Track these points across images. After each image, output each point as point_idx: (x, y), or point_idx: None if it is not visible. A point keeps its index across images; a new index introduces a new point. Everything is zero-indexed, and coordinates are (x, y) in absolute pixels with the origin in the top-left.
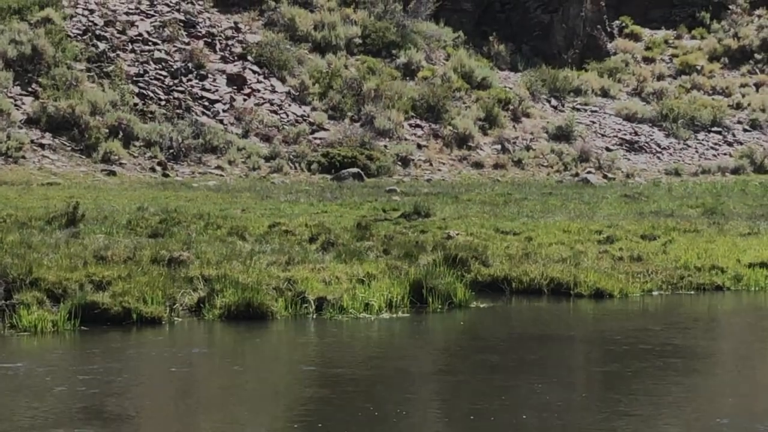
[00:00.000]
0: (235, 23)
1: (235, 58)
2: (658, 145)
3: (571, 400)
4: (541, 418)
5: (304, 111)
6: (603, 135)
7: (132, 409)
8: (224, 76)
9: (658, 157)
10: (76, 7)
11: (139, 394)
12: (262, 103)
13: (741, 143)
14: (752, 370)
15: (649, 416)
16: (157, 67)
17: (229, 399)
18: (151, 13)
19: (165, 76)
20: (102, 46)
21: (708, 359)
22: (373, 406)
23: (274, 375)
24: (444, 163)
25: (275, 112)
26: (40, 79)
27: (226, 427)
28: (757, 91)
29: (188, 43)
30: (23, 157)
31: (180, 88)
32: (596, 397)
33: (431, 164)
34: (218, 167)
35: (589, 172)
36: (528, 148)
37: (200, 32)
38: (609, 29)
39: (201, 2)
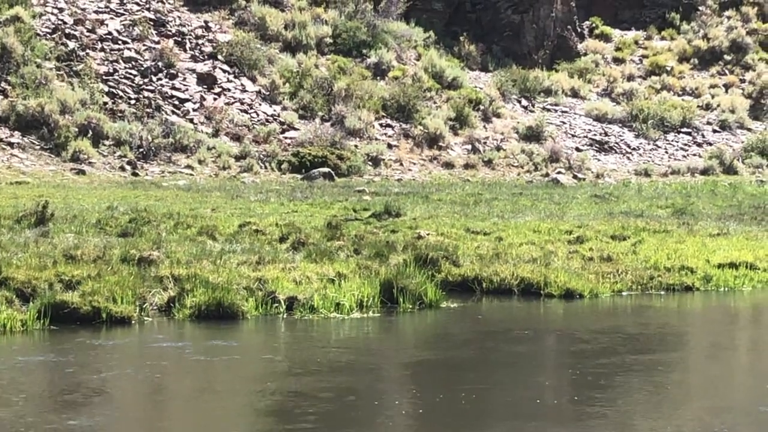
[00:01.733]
0: (206, 22)
1: (206, 57)
2: (628, 146)
3: (541, 398)
4: (513, 412)
5: (275, 110)
6: (573, 135)
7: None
8: (194, 75)
9: (628, 158)
10: (46, 6)
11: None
12: (233, 103)
13: (710, 144)
14: (720, 369)
15: (612, 409)
16: (127, 66)
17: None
18: (121, 11)
19: (135, 75)
20: (71, 44)
21: (676, 358)
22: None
23: (246, 371)
24: (414, 163)
25: (245, 111)
26: (9, 78)
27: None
28: (727, 92)
29: (158, 42)
30: None
31: (150, 87)
32: (565, 394)
33: (402, 164)
34: (188, 166)
35: (559, 173)
36: (498, 149)
37: (170, 31)
38: (579, 30)
39: (171, 1)
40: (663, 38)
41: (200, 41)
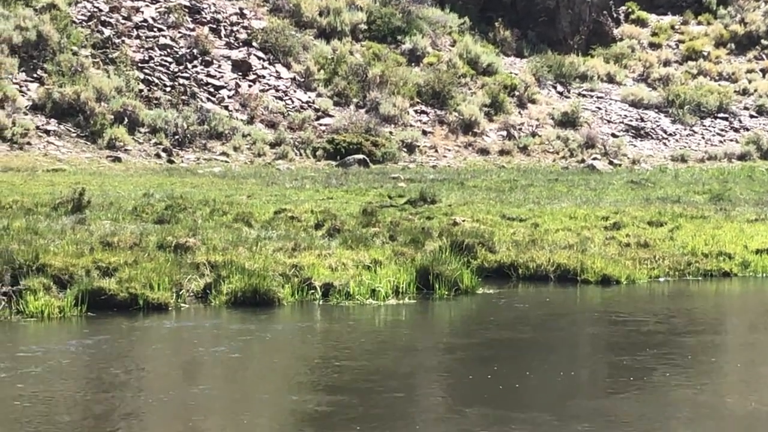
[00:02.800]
0: (240, 9)
1: (240, 44)
2: (664, 131)
3: (614, 376)
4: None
5: (310, 97)
6: (609, 121)
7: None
8: (229, 63)
9: (664, 144)
10: None
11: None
12: (267, 90)
13: (747, 129)
14: (759, 356)
15: (648, 396)
16: (162, 53)
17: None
18: None
19: (170, 63)
20: (107, 32)
21: (716, 345)
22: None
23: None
24: (449, 150)
25: (280, 98)
26: (45, 66)
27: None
28: (764, 77)
29: (193, 29)
30: (29, 143)
31: (185, 75)
32: (635, 372)
33: (437, 151)
34: (223, 153)
35: (595, 159)
36: (534, 135)
37: (205, 18)
38: (615, 15)
39: None
40: (699, 23)
41: (235, 28)
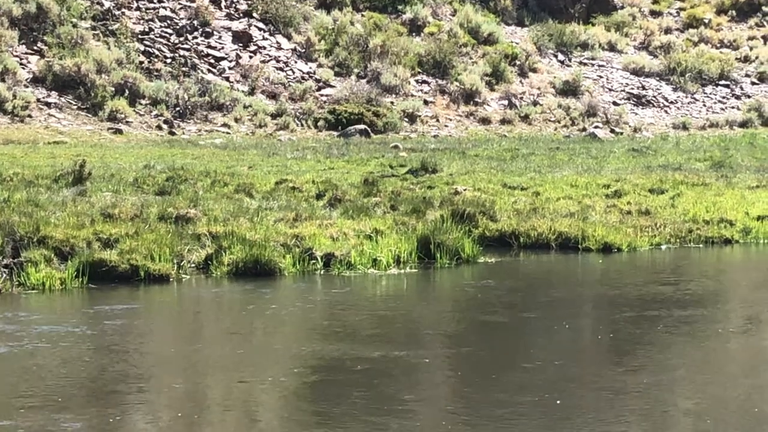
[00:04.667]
0: None
1: (241, 15)
2: (666, 99)
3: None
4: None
5: (311, 68)
6: (610, 89)
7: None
8: (230, 34)
9: (666, 111)
10: None
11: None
12: (268, 60)
13: (749, 96)
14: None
15: (656, 364)
16: (163, 24)
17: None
18: None
19: (170, 34)
20: (107, 3)
21: (718, 311)
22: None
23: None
24: (451, 119)
25: (281, 69)
26: (45, 38)
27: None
28: (765, 43)
29: (193, 1)
30: (29, 115)
31: (185, 46)
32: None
33: (438, 120)
34: (224, 125)
35: (596, 127)
36: (535, 104)
37: None
38: None
39: None
40: None
41: None
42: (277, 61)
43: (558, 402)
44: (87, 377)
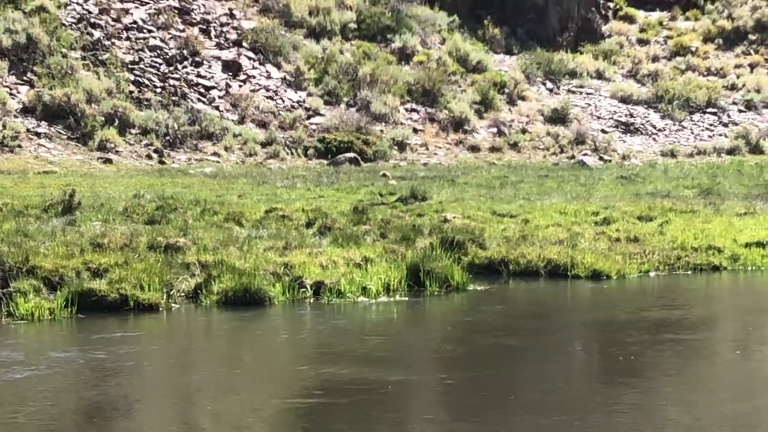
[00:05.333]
0: (230, 9)
1: (231, 44)
2: (654, 127)
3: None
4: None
5: (300, 96)
6: (599, 117)
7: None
8: (219, 63)
9: (654, 139)
10: None
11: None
12: (258, 89)
13: (736, 124)
14: (750, 350)
15: (647, 390)
16: (153, 54)
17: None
18: (146, 0)
19: (160, 64)
20: (97, 34)
21: (708, 338)
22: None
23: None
24: (440, 147)
25: (271, 98)
26: (35, 68)
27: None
28: (752, 71)
29: (183, 30)
30: (19, 146)
31: (175, 75)
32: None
33: (427, 148)
34: (215, 154)
35: (585, 155)
36: (524, 131)
37: (195, 19)
38: (603, 12)
39: None
40: (687, 19)
41: (225, 29)
42: (267, 90)
43: (576, 423)
44: (91, 403)
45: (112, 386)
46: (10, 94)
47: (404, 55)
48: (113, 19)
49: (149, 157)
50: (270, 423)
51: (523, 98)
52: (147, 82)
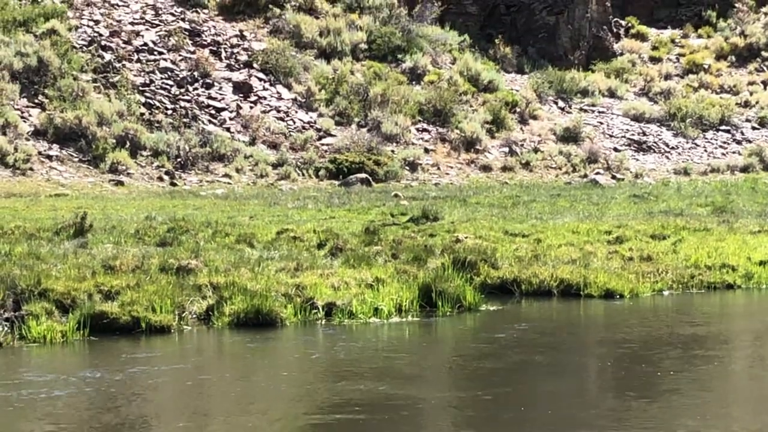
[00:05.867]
0: (241, 31)
1: (241, 65)
2: (667, 145)
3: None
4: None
5: (311, 117)
6: (611, 136)
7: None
8: (230, 84)
9: (667, 157)
10: (81, 18)
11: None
12: (269, 111)
13: (750, 141)
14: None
15: (664, 415)
16: (163, 76)
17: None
18: (156, 22)
19: (171, 86)
20: (107, 56)
21: (725, 357)
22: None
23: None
24: (452, 167)
25: (282, 119)
26: (46, 91)
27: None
28: (765, 88)
29: (194, 52)
30: (31, 168)
31: (186, 97)
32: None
33: (439, 168)
34: (226, 175)
35: (597, 173)
36: (536, 150)
37: (205, 41)
38: (615, 30)
39: (206, 11)
40: (700, 36)
41: (235, 50)
42: (278, 111)
43: None
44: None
45: (133, 407)
46: (22, 117)
47: (415, 75)
48: (124, 42)
49: (160, 179)
50: None
51: (534, 117)
52: (158, 104)
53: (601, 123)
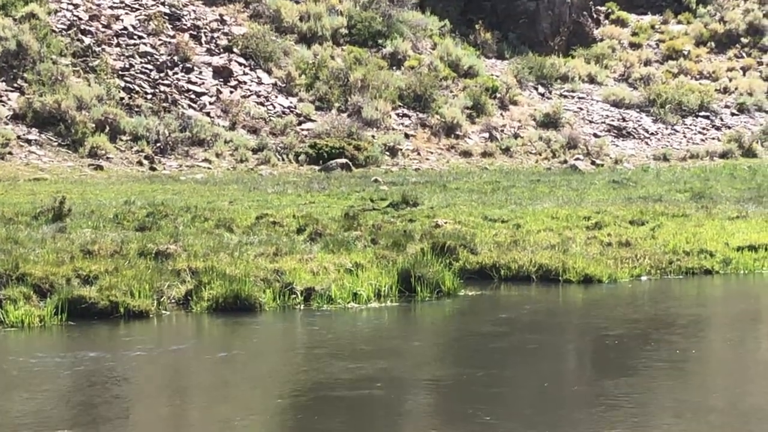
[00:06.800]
0: (221, 15)
1: (221, 50)
2: (646, 131)
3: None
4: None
5: (291, 102)
6: (591, 121)
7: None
8: (210, 69)
9: (646, 143)
10: (61, 2)
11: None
12: (249, 95)
13: (729, 127)
14: (743, 351)
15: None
16: (143, 60)
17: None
18: (136, 6)
19: (151, 70)
20: (87, 40)
21: (700, 343)
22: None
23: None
24: (432, 152)
25: (262, 104)
26: (25, 75)
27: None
28: (744, 75)
29: (173, 37)
30: (10, 153)
31: (166, 82)
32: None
33: (419, 153)
34: (205, 160)
35: (577, 159)
36: (516, 136)
37: (185, 25)
38: (595, 15)
39: None
40: (679, 22)
41: (215, 35)
42: (258, 96)
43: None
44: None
45: (108, 389)
46: (0, 101)
47: (395, 61)
48: (103, 26)
49: (140, 163)
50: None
51: (515, 103)
52: (137, 88)
53: (581, 109)
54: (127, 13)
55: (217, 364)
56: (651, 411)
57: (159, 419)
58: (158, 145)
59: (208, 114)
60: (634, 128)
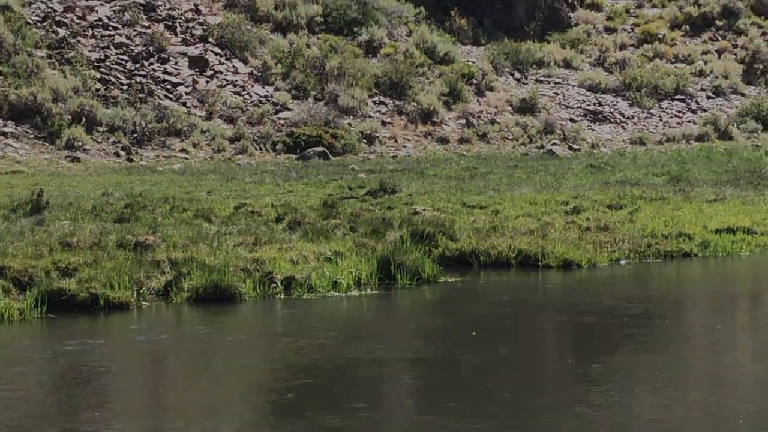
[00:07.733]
0: (195, 5)
1: (197, 40)
2: (622, 115)
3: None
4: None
5: (268, 91)
6: (567, 106)
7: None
8: (186, 59)
9: (623, 127)
10: None
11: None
12: (225, 85)
13: (705, 110)
14: (723, 337)
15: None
16: (118, 51)
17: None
18: None
19: (126, 61)
20: (62, 32)
21: (679, 325)
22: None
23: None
24: (409, 140)
25: (238, 93)
26: (0, 68)
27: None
28: (719, 57)
29: (148, 27)
30: None
31: (142, 72)
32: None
33: (396, 141)
34: (183, 150)
35: (554, 144)
36: (492, 122)
37: (160, 15)
38: (570, 0)
39: None
40: (654, 6)
41: (191, 24)
42: (234, 86)
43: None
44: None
45: (90, 379)
46: None
47: (371, 48)
48: (78, 17)
49: (117, 155)
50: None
51: (491, 89)
52: (113, 79)
53: (557, 94)
54: (101, 4)
55: (200, 353)
56: (630, 386)
57: (140, 408)
58: (135, 136)
59: (184, 104)
60: (611, 112)
